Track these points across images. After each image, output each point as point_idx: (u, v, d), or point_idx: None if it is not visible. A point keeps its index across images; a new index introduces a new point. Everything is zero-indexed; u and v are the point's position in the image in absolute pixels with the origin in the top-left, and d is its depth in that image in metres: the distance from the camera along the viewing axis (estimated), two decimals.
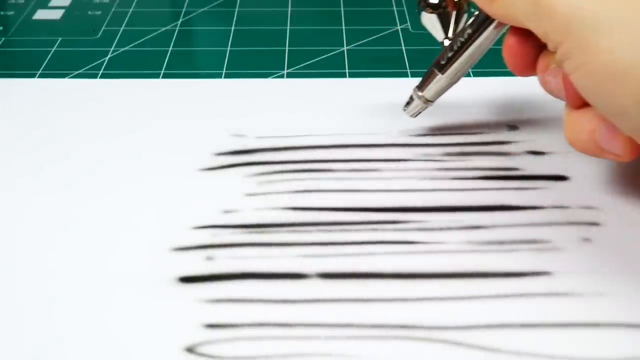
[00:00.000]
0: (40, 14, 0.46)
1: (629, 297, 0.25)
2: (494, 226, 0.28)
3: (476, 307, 0.25)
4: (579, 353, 0.23)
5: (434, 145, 0.33)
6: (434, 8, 0.32)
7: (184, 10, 0.47)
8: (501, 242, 0.27)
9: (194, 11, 0.46)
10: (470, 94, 0.36)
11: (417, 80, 0.32)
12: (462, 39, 0.30)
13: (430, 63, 0.32)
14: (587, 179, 0.30)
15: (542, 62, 0.28)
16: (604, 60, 0.23)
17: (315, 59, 0.40)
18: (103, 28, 0.44)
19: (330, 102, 0.36)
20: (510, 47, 0.28)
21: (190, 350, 0.23)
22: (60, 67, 0.40)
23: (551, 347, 0.23)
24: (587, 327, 0.24)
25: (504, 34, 0.29)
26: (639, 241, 0.27)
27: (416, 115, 0.33)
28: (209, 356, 0.23)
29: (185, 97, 0.36)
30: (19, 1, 0.48)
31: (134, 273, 0.26)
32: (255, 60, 0.41)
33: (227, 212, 0.29)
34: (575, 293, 0.25)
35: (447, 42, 0.32)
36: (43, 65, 0.40)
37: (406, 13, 0.46)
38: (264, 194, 0.30)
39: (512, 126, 0.34)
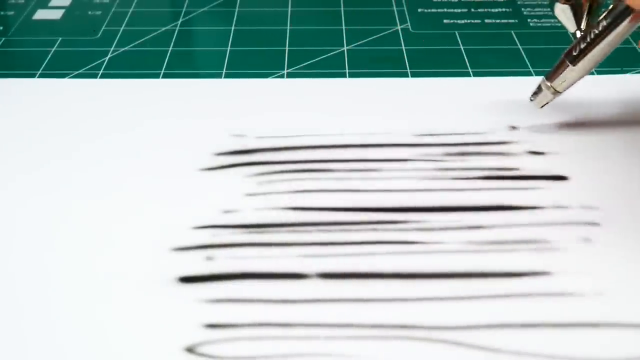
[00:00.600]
0: (40, 14, 0.46)
1: (629, 297, 0.25)
2: (494, 226, 0.28)
3: (476, 307, 0.25)
4: (579, 353, 0.23)
5: (434, 145, 0.33)
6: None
7: (184, 10, 0.47)
8: (501, 242, 0.27)
9: (194, 11, 0.46)
10: (470, 94, 0.36)
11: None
12: (596, 31, 0.30)
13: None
14: (587, 179, 0.30)
15: None
16: None
17: (315, 59, 0.40)
18: (103, 28, 0.44)
19: (330, 102, 0.36)
20: None
21: (190, 350, 0.23)
22: (60, 67, 0.40)
23: (551, 347, 0.23)
24: (587, 327, 0.24)
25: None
26: (639, 241, 0.27)
27: (543, 106, 0.33)
28: (209, 356, 0.23)
29: (185, 97, 0.36)
30: (19, 1, 0.48)
31: (134, 273, 0.26)
32: (255, 60, 0.41)
33: (227, 212, 0.29)
34: (575, 293, 0.25)
35: (579, 34, 0.32)
36: (43, 65, 0.40)
37: (406, 13, 0.46)
38: (264, 194, 0.30)
39: (512, 126, 0.34)
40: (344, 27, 0.44)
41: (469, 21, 0.45)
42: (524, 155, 0.32)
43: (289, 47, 0.42)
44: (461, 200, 0.29)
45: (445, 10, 0.46)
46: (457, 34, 0.43)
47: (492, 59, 0.40)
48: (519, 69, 0.39)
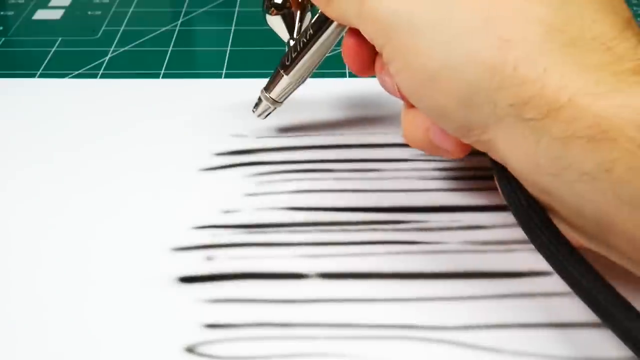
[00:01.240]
0: (40, 14, 0.46)
1: (629, 297, 0.25)
2: (494, 226, 0.28)
3: (476, 307, 0.25)
4: (579, 353, 0.23)
5: None
6: (278, 9, 0.32)
7: (184, 10, 0.47)
8: (501, 242, 0.27)
9: (194, 11, 0.46)
10: None
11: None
12: (304, 39, 0.30)
13: None
14: None
15: (378, 63, 0.28)
16: (420, 63, 0.23)
17: None
18: (103, 28, 0.44)
19: (330, 102, 0.36)
20: (348, 48, 0.28)
21: (190, 350, 0.23)
22: (60, 67, 0.40)
23: (551, 347, 0.23)
24: (587, 327, 0.24)
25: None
26: None
27: (265, 117, 0.33)
28: (209, 356, 0.23)
29: (185, 97, 0.36)
30: (19, 1, 0.48)
31: (134, 273, 0.26)
32: (255, 60, 0.41)
33: (227, 212, 0.29)
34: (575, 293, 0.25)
35: (292, 43, 0.31)
36: (43, 65, 0.40)
37: None
38: (264, 194, 0.30)
39: None
40: None
41: None
42: None
43: None
44: (461, 200, 0.29)
45: None
46: None
47: None
48: None
